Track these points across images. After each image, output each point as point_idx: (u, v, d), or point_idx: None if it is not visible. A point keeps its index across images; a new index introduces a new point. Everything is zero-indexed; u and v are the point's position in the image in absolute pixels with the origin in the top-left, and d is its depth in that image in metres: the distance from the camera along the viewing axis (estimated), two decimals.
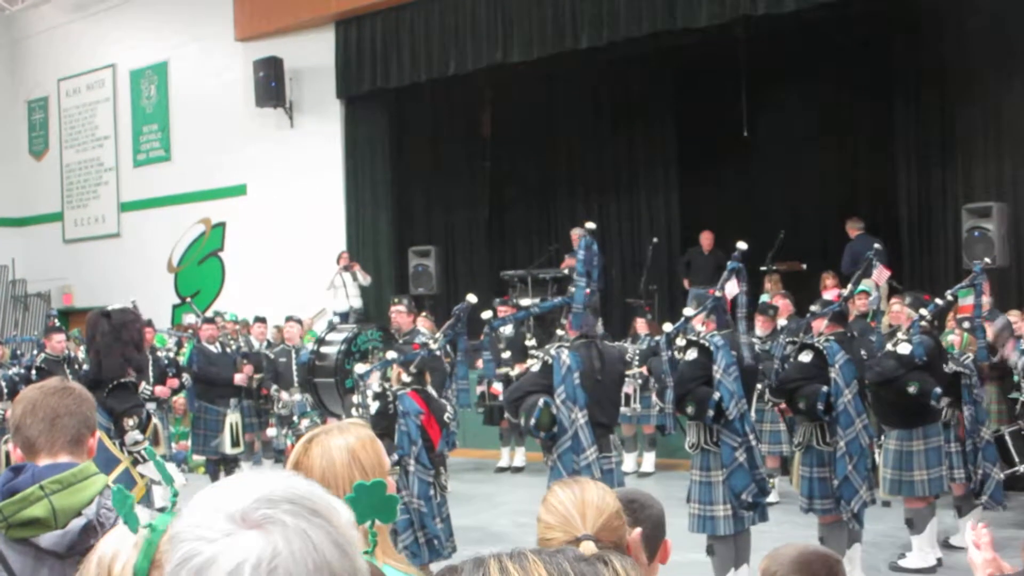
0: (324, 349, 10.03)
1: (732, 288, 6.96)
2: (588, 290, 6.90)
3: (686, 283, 14.90)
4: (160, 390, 10.67)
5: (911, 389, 7.56)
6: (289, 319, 12.20)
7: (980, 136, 13.29)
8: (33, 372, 10.34)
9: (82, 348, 10.62)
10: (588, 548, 2.16)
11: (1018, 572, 2.56)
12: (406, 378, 7.37)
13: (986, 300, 8.90)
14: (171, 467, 6.32)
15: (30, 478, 2.74)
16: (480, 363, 8.38)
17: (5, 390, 10.49)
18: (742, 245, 7.13)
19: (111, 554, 1.92)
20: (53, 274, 20.32)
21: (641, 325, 12.32)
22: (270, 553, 1.05)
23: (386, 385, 7.42)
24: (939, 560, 7.78)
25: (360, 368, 7.83)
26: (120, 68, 19.75)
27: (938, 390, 7.54)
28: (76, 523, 2.67)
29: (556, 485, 2.43)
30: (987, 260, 8.93)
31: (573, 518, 2.22)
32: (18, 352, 13.67)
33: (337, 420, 10.18)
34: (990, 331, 8.96)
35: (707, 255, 14.78)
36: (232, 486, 1.12)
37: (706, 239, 14.88)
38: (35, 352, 11.39)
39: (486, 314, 7.76)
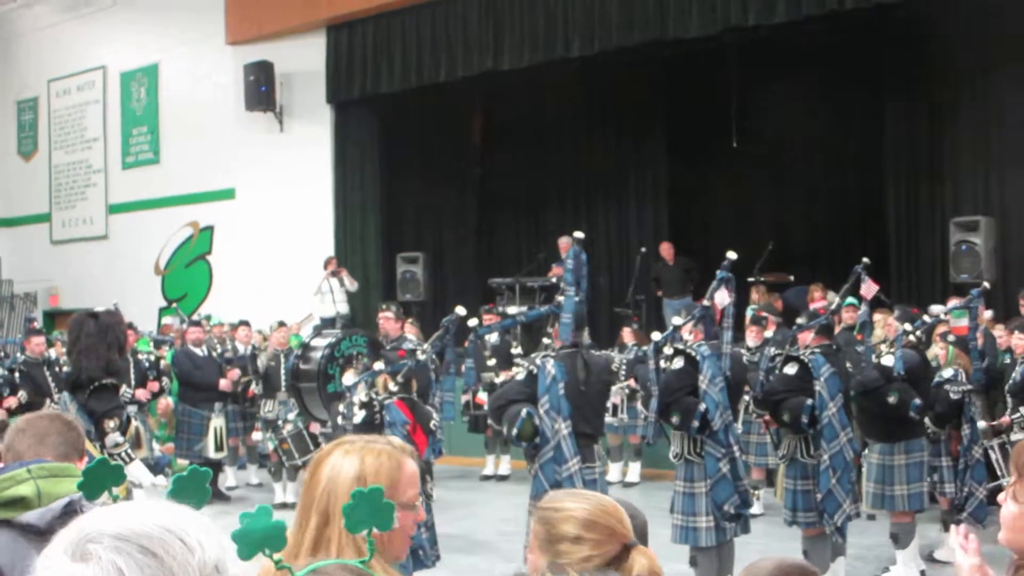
0: (308, 354, 10.02)
1: (722, 297, 6.94)
2: (576, 299, 6.88)
3: (659, 294, 14.97)
4: (140, 393, 10.62)
5: (891, 399, 7.57)
6: (281, 324, 12.21)
7: (970, 150, 13.31)
8: (16, 375, 10.29)
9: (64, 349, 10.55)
10: (644, 552, 2.14)
11: None
12: (393, 387, 7.34)
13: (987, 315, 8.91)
14: (141, 471, 6.32)
15: (16, 465, 2.79)
16: (464, 370, 8.37)
17: None
18: (731, 255, 7.11)
19: None
20: (40, 275, 20.24)
21: (628, 335, 12.30)
22: None
23: (372, 394, 7.38)
24: (923, 574, 7.77)
25: (348, 380, 7.80)
26: (110, 70, 19.71)
27: (917, 402, 7.54)
28: (60, 501, 2.69)
29: (567, 501, 2.36)
30: (986, 284, 8.92)
31: (617, 527, 2.19)
32: (1, 354, 13.58)
33: (321, 425, 10.18)
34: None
35: (672, 265, 14.85)
36: (90, 517, 1.17)
37: (666, 250, 14.97)
38: (17, 354, 11.30)
39: (472, 321, 7.74)
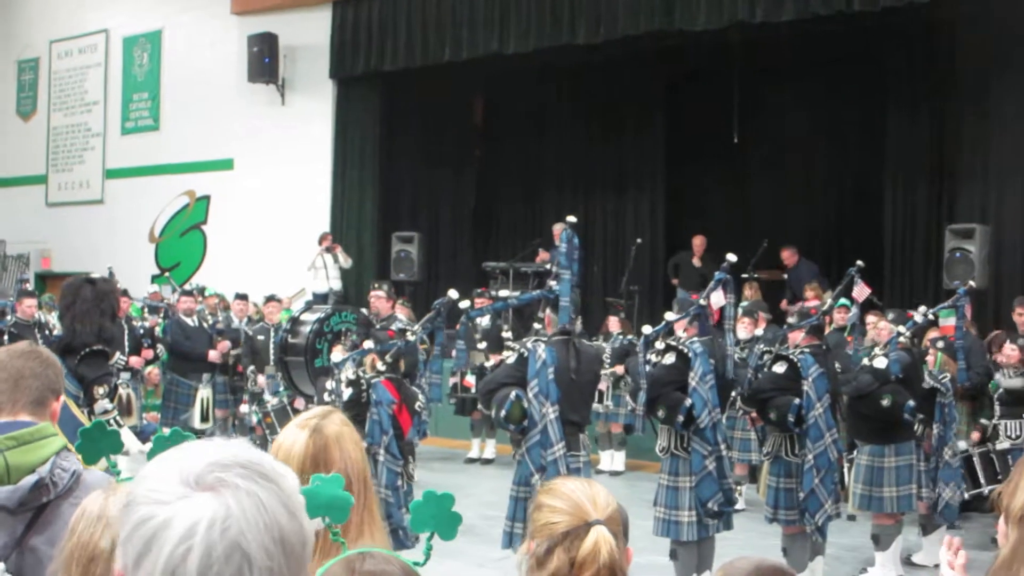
0: (297, 328, 10.01)
1: (717, 298, 6.95)
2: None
3: (675, 282, 14.83)
4: (134, 360, 10.61)
5: (884, 402, 7.58)
6: (271, 298, 12.19)
7: (969, 157, 13.30)
8: (6, 336, 10.25)
9: (54, 313, 10.51)
10: (601, 532, 2.13)
11: None
12: (380, 366, 7.35)
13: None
14: (130, 438, 6.29)
15: None
16: (455, 353, 8.39)
17: None
18: (731, 257, 7.13)
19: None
20: (33, 236, 20.17)
21: (614, 323, 12.25)
22: (224, 513, 1.09)
23: (360, 372, 7.39)
24: None
25: (336, 356, 7.81)
26: (113, 34, 19.61)
27: (911, 403, 7.56)
28: (28, 479, 2.68)
29: (559, 478, 2.41)
30: (971, 283, 8.95)
31: (584, 504, 2.19)
32: None
33: (306, 400, 10.18)
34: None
35: (696, 262, 14.66)
36: (185, 452, 1.17)
37: (698, 244, 14.74)
38: (7, 316, 11.26)
39: (464, 303, 7.74)
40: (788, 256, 13.81)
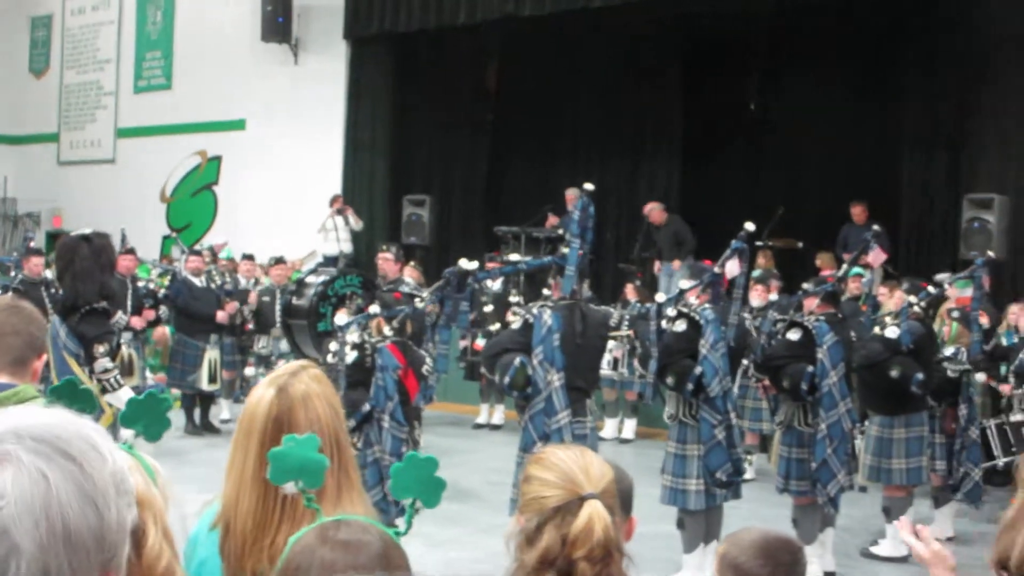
0: (302, 290, 9.93)
1: (732, 267, 6.84)
2: (580, 252, 6.75)
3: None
4: (136, 321, 10.47)
5: (893, 373, 7.46)
6: (279, 261, 12.07)
7: (990, 126, 13.10)
8: (10, 294, 10.17)
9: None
10: (595, 507, 2.00)
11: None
12: (387, 331, 7.24)
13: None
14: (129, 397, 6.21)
15: None
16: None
17: None
18: (749, 226, 6.99)
19: None
20: (45, 195, 20.10)
21: (631, 291, 12.20)
22: None
23: (366, 336, 7.27)
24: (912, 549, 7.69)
25: (341, 319, 7.70)
26: None
27: (919, 376, 7.44)
28: None
29: (550, 447, 2.27)
30: (990, 253, 8.79)
31: (577, 476, 2.05)
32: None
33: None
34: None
35: (660, 228, 14.28)
36: None
37: (653, 212, 14.30)
38: (12, 273, 11.19)
39: (472, 265, 7.60)
40: (859, 213, 13.39)
